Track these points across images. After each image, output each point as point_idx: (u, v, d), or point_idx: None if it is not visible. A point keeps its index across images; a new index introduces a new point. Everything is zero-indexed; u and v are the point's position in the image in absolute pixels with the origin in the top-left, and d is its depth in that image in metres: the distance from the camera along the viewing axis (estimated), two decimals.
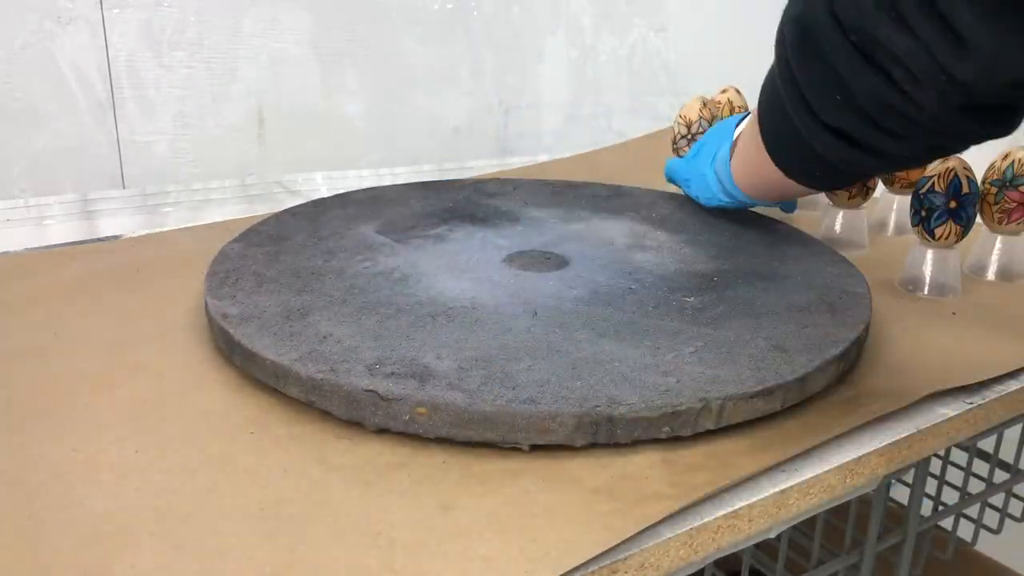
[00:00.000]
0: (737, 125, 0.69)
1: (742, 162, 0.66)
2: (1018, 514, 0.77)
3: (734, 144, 0.67)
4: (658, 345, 0.53)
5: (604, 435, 0.46)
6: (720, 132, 0.71)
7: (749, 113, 0.67)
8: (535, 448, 0.47)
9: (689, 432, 0.47)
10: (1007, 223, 0.69)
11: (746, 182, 0.67)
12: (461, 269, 0.62)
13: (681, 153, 0.85)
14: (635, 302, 0.58)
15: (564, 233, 0.70)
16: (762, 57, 1.06)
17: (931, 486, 0.73)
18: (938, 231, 0.66)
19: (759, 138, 0.60)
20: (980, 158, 0.72)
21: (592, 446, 0.47)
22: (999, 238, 0.71)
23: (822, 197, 0.81)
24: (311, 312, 0.55)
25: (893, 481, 0.59)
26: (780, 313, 0.57)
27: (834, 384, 0.53)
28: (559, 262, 0.64)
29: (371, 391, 0.47)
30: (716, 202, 0.72)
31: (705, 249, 0.68)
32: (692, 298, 0.59)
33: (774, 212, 0.80)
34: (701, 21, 1.26)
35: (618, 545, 0.40)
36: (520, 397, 0.46)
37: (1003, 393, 0.55)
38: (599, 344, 0.52)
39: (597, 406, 0.46)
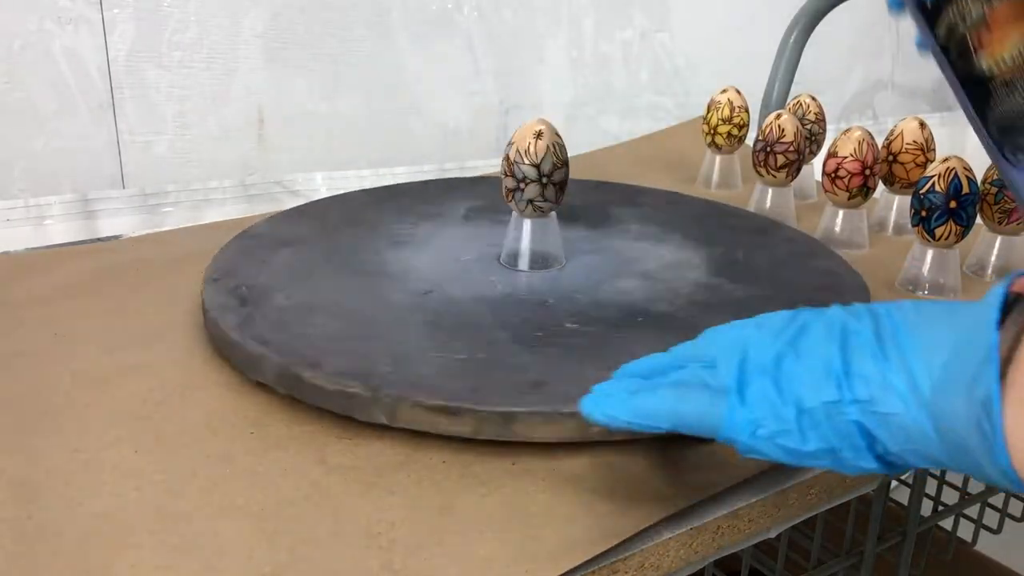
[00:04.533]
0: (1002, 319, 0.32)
1: None
2: (1018, 514, 0.77)
3: (1006, 356, 0.31)
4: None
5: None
6: (956, 331, 0.34)
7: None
8: (536, 447, 0.47)
9: None
10: (1007, 223, 0.69)
11: None
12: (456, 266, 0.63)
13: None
14: (626, 304, 0.58)
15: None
16: (763, 57, 1.06)
17: (931, 486, 0.73)
18: (938, 231, 0.66)
19: None
20: (980, 158, 0.72)
21: (592, 445, 0.47)
22: (999, 238, 0.71)
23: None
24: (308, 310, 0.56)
25: (893, 481, 0.59)
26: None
27: None
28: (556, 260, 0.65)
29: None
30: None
31: (701, 252, 0.68)
32: (687, 301, 0.59)
33: (775, 212, 0.80)
34: (702, 21, 1.26)
35: (618, 545, 0.41)
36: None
37: None
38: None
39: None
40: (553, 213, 0.63)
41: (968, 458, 0.32)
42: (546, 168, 0.60)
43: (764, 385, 0.36)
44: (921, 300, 0.36)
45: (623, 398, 0.39)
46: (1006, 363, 0.31)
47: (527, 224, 0.63)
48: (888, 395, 0.34)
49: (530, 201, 0.61)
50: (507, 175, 0.61)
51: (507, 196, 0.62)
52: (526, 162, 0.59)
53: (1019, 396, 0.30)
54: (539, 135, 0.59)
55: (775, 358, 0.37)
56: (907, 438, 0.34)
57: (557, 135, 0.60)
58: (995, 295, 0.32)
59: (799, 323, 0.38)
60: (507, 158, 0.60)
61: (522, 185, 0.60)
